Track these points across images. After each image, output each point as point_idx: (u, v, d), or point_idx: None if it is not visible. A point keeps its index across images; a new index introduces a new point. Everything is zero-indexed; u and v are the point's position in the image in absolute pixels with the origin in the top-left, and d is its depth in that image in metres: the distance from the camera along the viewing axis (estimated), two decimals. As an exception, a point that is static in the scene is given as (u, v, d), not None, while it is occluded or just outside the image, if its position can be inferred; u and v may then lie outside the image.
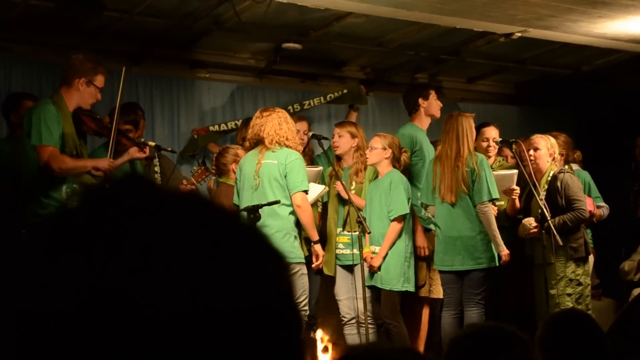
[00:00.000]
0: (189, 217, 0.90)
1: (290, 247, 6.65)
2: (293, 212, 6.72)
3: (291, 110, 8.64)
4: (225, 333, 0.85)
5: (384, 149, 7.32)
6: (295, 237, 6.77)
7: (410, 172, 7.74)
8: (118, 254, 0.85)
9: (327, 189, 7.46)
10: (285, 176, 6.71)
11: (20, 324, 0.85)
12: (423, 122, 8.05)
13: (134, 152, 6.56)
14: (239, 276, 0.88)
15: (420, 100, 8.05)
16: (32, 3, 7.28)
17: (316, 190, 7.20)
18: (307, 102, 8.97)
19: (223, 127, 8.71)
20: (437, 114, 8.01)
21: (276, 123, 6.79)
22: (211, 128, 8.68)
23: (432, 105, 8.06)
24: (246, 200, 6.65)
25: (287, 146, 6.78)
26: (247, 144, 7.02)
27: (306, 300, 6.79)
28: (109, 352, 0.82)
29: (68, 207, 0.91)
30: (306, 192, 6.79)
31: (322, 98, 8.95)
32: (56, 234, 0.88)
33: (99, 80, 6.36)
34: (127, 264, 0.84)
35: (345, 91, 9.03)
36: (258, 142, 6.85)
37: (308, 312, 6.93)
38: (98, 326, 0.82)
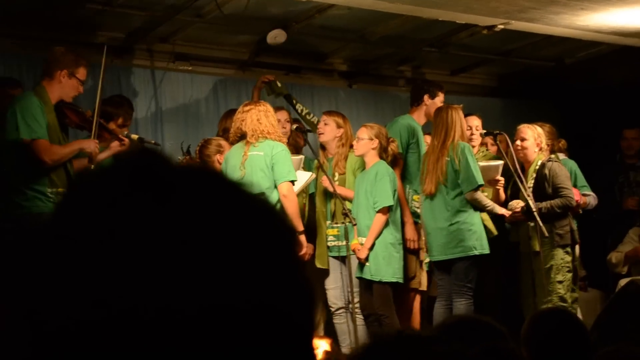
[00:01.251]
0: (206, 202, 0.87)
1: None
2: (278, 203, 6.72)
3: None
4: (248, 325, 0.83)
5: (371, 139, 7.31)
6: None
7: (405, 164, 7.74)
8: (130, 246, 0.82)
9: (314, 175, 7.45)
10: (272, 167, 6.72)
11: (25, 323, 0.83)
12: (420, 119, 8.00)
13: (116, 147, 6.54)
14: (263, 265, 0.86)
15: (426, 97, 7.97)
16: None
17: (303, 177, 7.23)
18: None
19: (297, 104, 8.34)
20: None
21: (255, 118, 6.79)
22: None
23: (436, 106, 7.81)
24: None
25: (269, 139, 6.78)
26: (231, 137, 7.03)
27: None
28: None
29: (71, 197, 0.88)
30: (293, 182, 6.80)
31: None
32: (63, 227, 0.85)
33: (81, 73, 6.34)
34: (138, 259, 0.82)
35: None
36: (242, 136, 6.86)
37: None
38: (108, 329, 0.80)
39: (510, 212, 7.39)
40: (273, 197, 6.71)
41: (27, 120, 5.98)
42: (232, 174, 6.74)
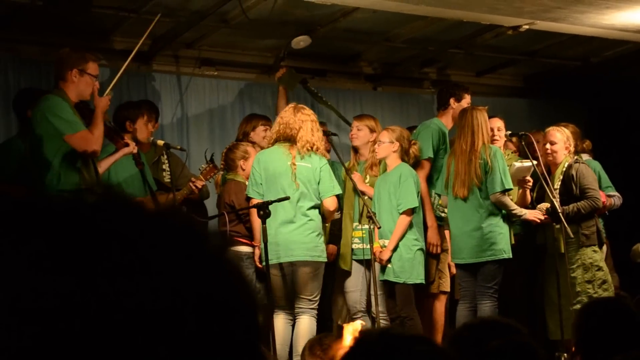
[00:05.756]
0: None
1: (323, 247, 6.99)
2: (319, 214, 7.00)
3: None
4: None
5: (392, 142, 7.33)
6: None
7: (432, 167, 7.72)
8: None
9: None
10: (318, 182, 6.90)
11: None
12: (449, 122, 8.00)
13: (124, 151, 6.66)
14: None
15: (452, 101, 7.98)
16: (38, 4, 7.30)
17: None
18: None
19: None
20: None
21: (309, 129, 6.95)
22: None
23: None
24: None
25: (315, 153, 6.95)
26: (273, 137, 7.08)
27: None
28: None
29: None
30: (338, 196, 7.07)
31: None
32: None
33: (92, 68, 6.39)
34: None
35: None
36: (287, 140, 6.95)
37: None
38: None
39: (535, 215, 7.35)
40: (318, 211, 6.96)
41: (61, 116, 6.05)
42: (284, 181, 6.82)
